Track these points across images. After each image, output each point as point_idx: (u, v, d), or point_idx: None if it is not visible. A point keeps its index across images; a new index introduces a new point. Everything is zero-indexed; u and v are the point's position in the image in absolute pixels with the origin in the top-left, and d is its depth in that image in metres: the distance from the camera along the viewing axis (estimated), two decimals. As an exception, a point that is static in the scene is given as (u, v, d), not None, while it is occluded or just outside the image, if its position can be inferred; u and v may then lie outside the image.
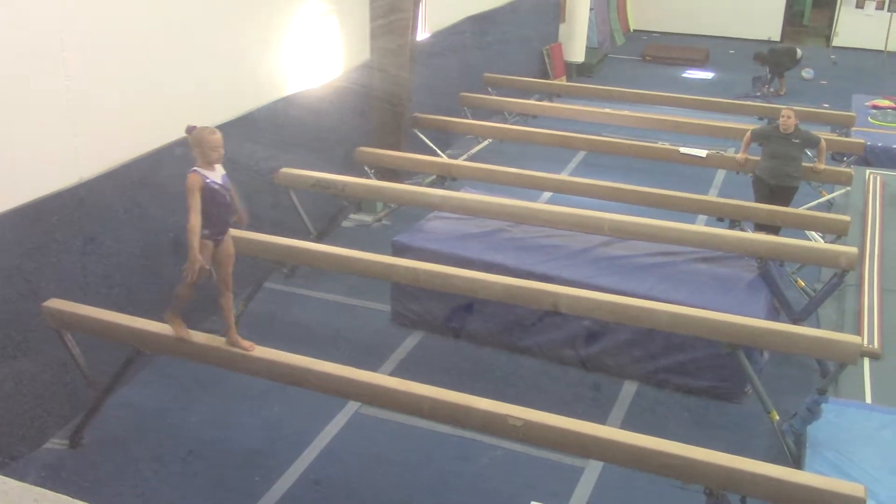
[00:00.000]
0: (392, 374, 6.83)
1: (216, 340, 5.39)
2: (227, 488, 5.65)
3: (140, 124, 6.61)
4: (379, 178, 9.17)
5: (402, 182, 9.39)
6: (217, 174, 5.00)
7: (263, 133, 8.10)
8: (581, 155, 11.98)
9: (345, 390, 5.24)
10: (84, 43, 5.95)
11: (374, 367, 6.82)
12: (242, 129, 7.74)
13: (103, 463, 5.81)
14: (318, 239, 8.30)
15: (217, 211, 5.00)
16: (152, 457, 5.90)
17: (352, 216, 9.81)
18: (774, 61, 15.96)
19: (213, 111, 7.39)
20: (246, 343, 5.27)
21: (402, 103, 10.01)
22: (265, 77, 8.19)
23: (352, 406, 6.45)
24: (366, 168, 9.33)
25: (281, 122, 8.39)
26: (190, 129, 5.02)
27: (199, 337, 5.43)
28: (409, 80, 10.09)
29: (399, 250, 7.51)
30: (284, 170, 8.21)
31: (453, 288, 6.52)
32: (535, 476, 5.85)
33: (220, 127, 7.44)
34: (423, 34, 11.19)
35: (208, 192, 4.92)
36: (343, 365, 5.23)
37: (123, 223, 6.52)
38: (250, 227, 7.11)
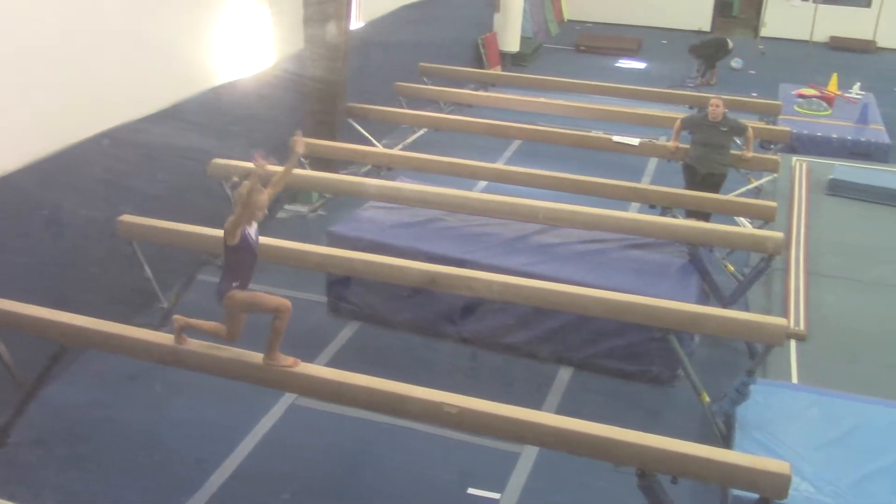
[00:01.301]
0: (328, 364, 6.77)
1: (151, 335, 5.30)
2: (161, 485, 5.57)
3: (62, 116, 6.44)
4: (314, 169, 9.10)
5: (337, 172, 9.34)
6: (253, 228, 4.87)
7: (194, 124, 7.98)
8: (516, 144, 12.05)
9: (280, 382, 5.19)
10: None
11: (310, 359, 6.74)
12: (172, 119, 7.61)
13: (31, 463, 5.68)
14: (253, 230, 8.20)
15: (249, 262, 4.88)
16: (83, 455, 5.79)
17: (287, 207, 9.72)
18: (707, 53, 16.25)
19: (141, 101, 7.27)
20: (289, 360, 4.99)
21: (336, 93, 9.94)
22: (195, 66, 8.05)
23: (288, 398, 6.40)
24: (300, 158, 9.22)
25: (212, 112, 8.27)
26: (235, 185, 4.83)
27: (133, 332, 5.32)
28: (344, 69, 10.01)
29: (334, 241, 7.47)
30: (217, 161, 8.09)
31: (389, 278, 6.52)
32: (472, 463, 5.89)
33: (149, 118, 7.40)
34: (356, 23, 11.12)
35: (245, 244, 4.79)
36: (278, 357, 5.18)
37: (46, 217, 6.36)
38: (182, 219, 7.04)
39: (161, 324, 6.99)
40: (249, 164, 7.98)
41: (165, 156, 7.65)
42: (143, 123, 7.34)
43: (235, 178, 4.96)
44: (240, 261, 4.83)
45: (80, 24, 6.58)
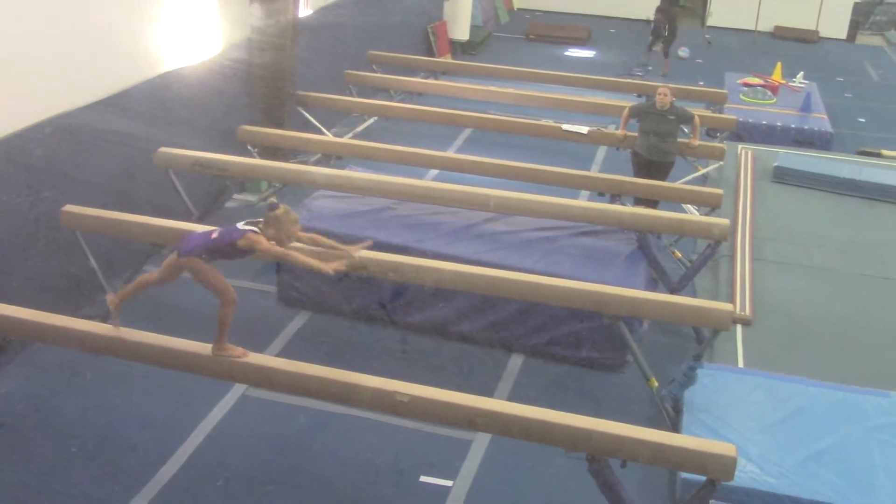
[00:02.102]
0: (280, 354, 6.72)
1: (96, 326, 5.21)
2: (109, 479, 5.48)
3: (1, 104, 6.29)
4: (263, 157, 9.01)
5: (286, 161, 9.25)
6: None
7: (139, 112, 7.85)
8: (467, 132, 12.06)
9: (230, 373, 5.14)
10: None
11: (261, 349, 6.71)
12: (116, 107, 7.48)
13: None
14: (200, 220, 8.10)
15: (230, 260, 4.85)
16: (27, 450, 5.67)
17: (236, 196, 9.62)
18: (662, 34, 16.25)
19: (83, 88, 7.12)
20: (238, 350, 4.94)
21: (285, 81, 9.84)
22: (140, 54, 7.91)
23: (238, 388, 6.35)
24: (249, 147, 9.15)
25: (158, 100, 8.13)
26: (274, 206, 4.72)
27: (78, 323, 5.23)
28: (292, 57, 9.92)
29: (284, 230, 7.40)
30: (163, 149, 7.95)
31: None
32: (424, 451, 5.91)
33: (92, 106, 7.26)
34: (305, 11, 11.01)
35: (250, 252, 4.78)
36: (228, 347, 5.13)
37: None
38: (127, 209, 6.93)
39: (108, 315, 6.88)
40: (196, 153, 7.98)
41: (110, 145, 7.50)
42: (87, 111, 7.20)
43: (272, 199, 4.85)
44: (229, 256, 4.78)
45: (20, 10, 6.41)
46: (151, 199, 7.85)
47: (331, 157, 9.25)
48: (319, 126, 10.74)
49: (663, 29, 16.21)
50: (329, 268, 4.75)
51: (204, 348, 5.01)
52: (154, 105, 8.05)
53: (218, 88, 9.11)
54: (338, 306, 7.44)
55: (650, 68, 16.40)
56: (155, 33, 8.05)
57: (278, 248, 4.72)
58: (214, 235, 4.80)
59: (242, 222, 4.77)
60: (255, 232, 4.69)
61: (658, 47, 16.47)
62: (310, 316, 7.48)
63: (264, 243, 4.67)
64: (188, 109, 8.63)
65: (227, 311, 4.81)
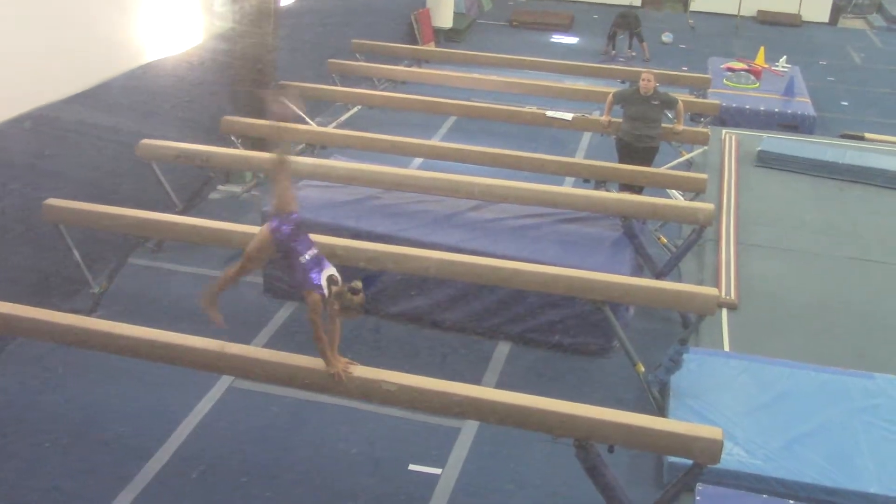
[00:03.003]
0: (266, 345, 6.75)
1: (82, 320, 5.18)
2: (98, 473, 5.46)
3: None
4: (246, 148, 8.96)
5: (270, 151, 9.19)
6: None
7: (121, 104, 7.79)
8: (451, 120, 12.03)
9: (216, 365, 5.13)
10: None
11: (247, 340, 6.71)
12: (98, 99, 7.41)
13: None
14: (185, 212, 8.07)
15: None
16: (17, 444, 5.64)
17: (220, 187, 9.57)
18: (626, 24, 16.29)
19: (64, 81, 7.05)
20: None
21: (267, 70, 9.78)
22: (120, 44, 7.84)
23: (226, 380, 6.33)
24: (232, 138, 9.10)
25: (140, 91, 8.07)
26: (356, 291, 4.51)
27: (63, 318, 5.20)
28: (274, 46, 9.85)
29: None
30: (146, 141, 7.90)
31: (326, 256, 6.45)
32: (413, 439, 5.91)
33: (73, 98, 7.21)
34: (287, 0, 10.94)
35: None
36: (215, 339, 5.12)
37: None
38: (111, 202, 6.88)
39: (92, 309, 6.85)
40: (179, 145, 7.93)
41: (91, 138, 7.45)
42: (68, 104, 7.13)
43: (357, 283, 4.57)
44: (286, 269, 4.74)
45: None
46: (135, 191, 7.80)
47: (315, 146, 9.21)
48: (303, 115, 10.66)
49: (622, 33, 16.30)
50: (331, 369, 4.64)
51: (189, 340, 4.99)
52: (135, 97, 7.99)
53: (200, 79, 9.05)
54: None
55: (634, 54, 16.40)
56: (134, 24, 7.97)
57: (318, 320, 4.50)
58: (303, 259, 4.59)
59: (328, 274, 4.56)
60: (323, 294, 4.49)
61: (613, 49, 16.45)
62: (296, 307, 7.45)
63: (317, 313, 4.48)
64: (170, 101, 8.57)
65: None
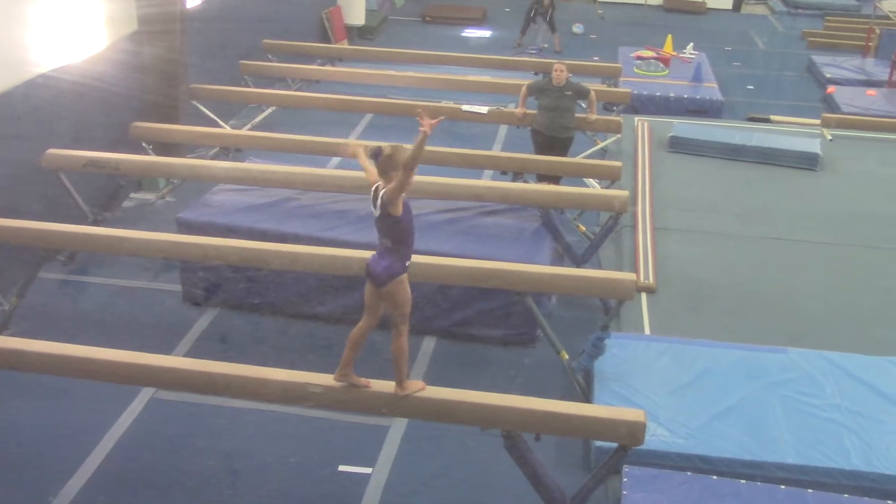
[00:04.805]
0: (188, 354, 6.62)
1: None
2: (15, 495, 5.28)
3: None
4: (158, 154, 8.78)
5: (183, 156, 9.04)
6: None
7: (22, 114, 7.53)
8: (368, 118, 11.97)
9: (135, 377, 5.03)
10: None
11: (168, 350, 6.59)
12: (-2, 110, 7.16)
13: None
14: (97, 222, 7.87)
15: (413, 233, 4.57)
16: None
17: (133, 195, 9.34)
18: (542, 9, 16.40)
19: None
20: (419, 384, 4.69)
21: (176, 74, 9.58)
22: (16, 54, 7.55)
23: (147, 392, 6.19)
24: (143, 144, 8.90)
25: (42, 100, 7.81)
26: (377, 152, 4.46)
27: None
28: (183, 49, 9.66)
29: (185, 227, 7.23)
30: (52, 151, 7.67)
31: (244, 261, 6.40)
32: (341, 440, 5.88)
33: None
34: (193, 1, 10.73)
35: (408, 212, 4.45)
36: (134, 351, 5.01)
37: None
38: (17, 215, 6.65)
39: (3, 326, 6.62)
40: (88, 153, 7.71)
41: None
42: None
43: (379, 146, 4.50)
44: (406, 232, 4.46)
45: None
46: (41, 203, 7.56)
47: (229, 150, 9.07)
48: (216, 119, 10.51)
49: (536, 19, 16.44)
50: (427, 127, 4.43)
51: (100, 353, 4.87)
52: (36, 106, 7.72)
53: (106, 85, 8.80)
54: (244, 301, 7.32)
55: (545, 45, 16.57)
56: (31, 31, 7.70)
57: (403, 178, 4.36)
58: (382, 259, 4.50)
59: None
60: (381, 189, 4.34)
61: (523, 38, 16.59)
62: (217, 313, 7.33)
63: (398, 190, 4.34)
64: (75, 109, 8.32)
65: (402, 339, 4.49)
